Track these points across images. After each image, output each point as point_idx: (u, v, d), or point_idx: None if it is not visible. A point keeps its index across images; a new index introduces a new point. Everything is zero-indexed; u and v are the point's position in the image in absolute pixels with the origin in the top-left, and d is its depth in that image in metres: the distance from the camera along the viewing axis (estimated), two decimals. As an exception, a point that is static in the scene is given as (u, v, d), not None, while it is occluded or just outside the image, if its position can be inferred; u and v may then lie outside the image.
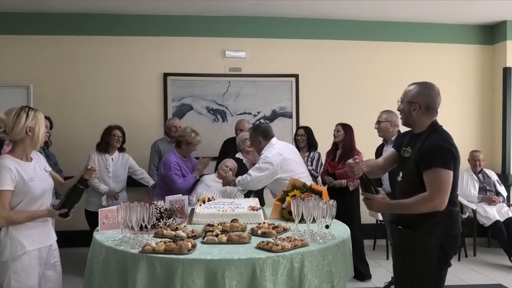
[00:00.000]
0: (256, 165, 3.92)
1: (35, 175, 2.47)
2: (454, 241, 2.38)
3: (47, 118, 4.32)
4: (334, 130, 4.78)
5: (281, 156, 3.89)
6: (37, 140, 2.47)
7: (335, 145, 4.84)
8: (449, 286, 4.34)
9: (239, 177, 3.94)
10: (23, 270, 2.41)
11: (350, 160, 2.29)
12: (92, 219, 4.42)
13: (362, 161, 2.35)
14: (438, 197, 2.23)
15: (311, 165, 4.89)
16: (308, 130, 5.13)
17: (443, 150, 2.29)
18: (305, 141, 5.06)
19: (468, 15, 5.84)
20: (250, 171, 3.91)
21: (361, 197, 2.43)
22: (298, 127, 5.36)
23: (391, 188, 4.11)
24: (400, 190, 2.43)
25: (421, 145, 2.36)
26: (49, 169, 2.69)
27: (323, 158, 5.05)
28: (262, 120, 5.85)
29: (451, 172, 2.27)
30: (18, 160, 2.44)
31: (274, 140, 4.02)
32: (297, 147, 5.08)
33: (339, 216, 4.34)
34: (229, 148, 5.16)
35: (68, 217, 2.49)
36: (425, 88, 2.45)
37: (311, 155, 5.00)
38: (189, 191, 4.44)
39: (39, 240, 2.50)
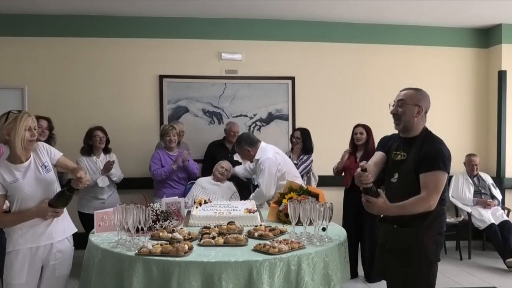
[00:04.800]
0: (258, 173, 3.93)
1: (23, 175, 2.50)
2: (443, 237, 2.54)
3: (46, 119, 4.31)
4: (356, 133, 4.65)
5: (280, 155, 4.03)
6: (14, 142, 2.46)
7: (354, 146, 4.72)
8: (444, 288, 4.36)
9: (252, 194, 4.00)
10: (10, 266, 2.47)
11: (358, 170, 2.29)
12: (86, 221, 4.40)
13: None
14: (433, 198, 2.35)
15: (298, 164, 4.87)
16: (305, 133, 5.07)
17: (444, 154, 2.41)
18: (300, 144, 5.02)
19: (463, 18, 5.86)
20: (259, 182, 3.91)
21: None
22: (294, 129, 5.29)
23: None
24: (396, 190, 2.47)
25: (419, 149, 2.45)
26: (54, 161, 2.66)
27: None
28: (258, 123, 5.85)
29: (447, 175, 2.40)
30: (9, 163, 2.52)
31: (263, 144, 4.07)
32: (291, 148, 5.08)
33: (363, 215, 4.40)
34: (215, 150, 5.19)
35: (59, 212, 2.53)
36: (425, 94, 2.56)
37: (302, 157, 4.97)
38: (184, 193, 4.47)
39: (31, 240, 2.51)
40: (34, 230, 2.52)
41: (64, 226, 2.67)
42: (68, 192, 2.49)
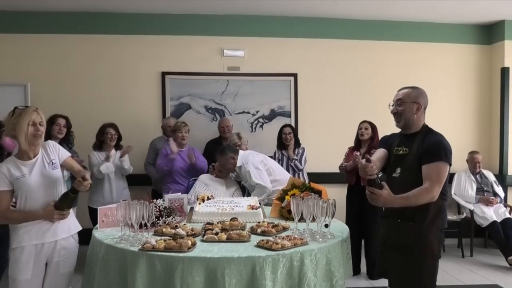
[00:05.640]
0: (247, 176, 4.05)
1: (30, 171, 2.52)
2: (443, 234, 2.58)
3: (64, 117, 4.37)
4: (361, 128, 4.68)
5: (258, 155, 4.21)
6: (19, 137, 2.49)
7: (358, 142, 4.75)
8: (446, 286, 4.36)
9: (253, 193, 4.07)
10: (15, 262, 2.49)
11: (363, 161, 2.31)
12: (95, 216, 4.42)
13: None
14: (435, 188, 2.38)
15: (299, 160, 4.97)
16: (293, 127, 5.20)
17: (446, 146, 2.47)
18: (293, 139, 5.08)
19: (466, 15, 5.85)
20: (253, 181, 4.00)
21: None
22: (283, 126, 5.30)
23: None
24: (398, 185, 2.49)
25: (421, 142, 2.52)
26: (61, 161, 2.67)
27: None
28: (260, 120, 5.86)
29: (449, 167, 2.46)
30: (17, 159, 2.55)
31: (241, 151, 4.26)
32: (283, 144, 5.08)
33: (367, 212, 4.46)
34: (212, 148, 5.21)
35: (65, 215, 2.54)
36: (422, 91, 2.66)
37: (297, 151, 5.06)
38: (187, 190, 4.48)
39: (35, 236, 2.52)
40: (39, 227, 2.53)
41: (69, 223, 2.67)
42: (72, 194, 2.49)
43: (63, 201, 2.51)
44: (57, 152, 2.68)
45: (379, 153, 2.73)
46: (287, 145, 5.07)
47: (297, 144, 5.13)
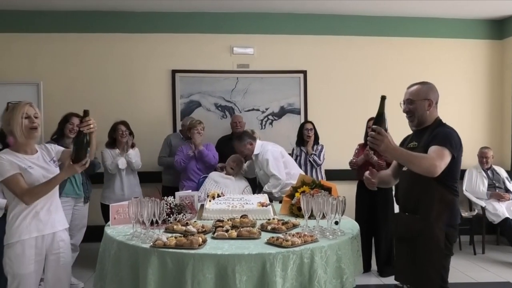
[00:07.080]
0: (264, 164, 4.10)
1: (35, 164, 2.56)
2: (455, 230, 2.52)
3: (77, 116, 4.36)
4: (369, 126, 4.60)
5: (277, 146, 4.31)
6: (15, 131, 2.51)
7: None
8: (458, 283, 4.34)
9: (265, 188, 4.15)
10: (15, 258, 2.49)
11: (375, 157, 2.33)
12: (108, 213, 4.46)
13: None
14: (437, 160, 2.32)
15: (317, 155, 5.00)
16: (313, 125, 5.20)
17: (454, 137, 2.44)
18: (313, 135, 5.10)
19: (476, 10, 5.79)
20: (270, 171, 4.09)
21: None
22: (304, 122, 5.35)
23: None
24: (407, 178, 2.51)
25: (430, 134, 2.50)
26: (59, 155, 2.73)
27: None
28: (270, 117, 5.87)
29: (451, 157, 2.38)
30: (16, 153, 2.55)
31: (259, 141, 4.33)
32: (303, 140, 5.09)
33: (377, 208, 4.41)
34: (223, 145, 5.24)
35: (85, 163, 2.53)
36: (431, 86, 2.62)
37: (316, 147, 5.08)
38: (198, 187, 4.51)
39: (35, 229, 2.54)
40: (37, 220, 2.55)
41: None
42: (82, 135, 2.49)
43: (78, 148, 2.50)
44: (54, 151, 2.73)
45: (394, 162, 2.79)
46: (306, 141, 5.08)
47: (316, 141, 5.14)
